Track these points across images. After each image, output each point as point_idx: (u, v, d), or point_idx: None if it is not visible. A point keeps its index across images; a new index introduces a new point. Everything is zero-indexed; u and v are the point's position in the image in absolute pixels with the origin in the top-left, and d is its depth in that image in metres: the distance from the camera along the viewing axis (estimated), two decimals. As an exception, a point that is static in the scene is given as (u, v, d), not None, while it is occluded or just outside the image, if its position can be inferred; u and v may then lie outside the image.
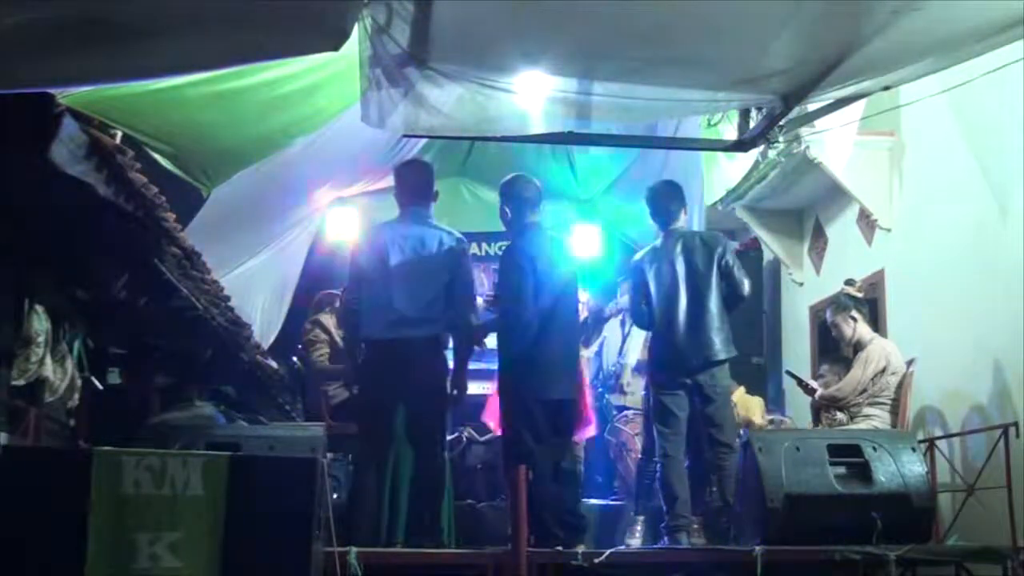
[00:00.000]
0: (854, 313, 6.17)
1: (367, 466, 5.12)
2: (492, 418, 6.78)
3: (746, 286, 5.52)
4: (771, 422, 6.96)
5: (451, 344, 5.41)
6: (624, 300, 7.17)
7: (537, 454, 5.06)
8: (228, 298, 6.30)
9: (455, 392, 5.26)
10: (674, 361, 5.41)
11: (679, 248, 5.51)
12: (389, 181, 8.97)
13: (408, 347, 5.07)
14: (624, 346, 7.23)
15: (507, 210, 5.44)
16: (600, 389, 7.31)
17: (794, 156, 6.83)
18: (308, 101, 5.77)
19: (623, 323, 7.32)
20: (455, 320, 5.17)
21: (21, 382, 4.94)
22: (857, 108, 5.44)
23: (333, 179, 7.83)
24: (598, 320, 7.40)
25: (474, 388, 6.87)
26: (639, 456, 6.33)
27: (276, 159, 6.39)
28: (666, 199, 5.69)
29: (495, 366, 5.41)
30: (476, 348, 5.47)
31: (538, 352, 5.14)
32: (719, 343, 5.38)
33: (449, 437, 6.28)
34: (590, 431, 6.37)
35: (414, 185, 5.39)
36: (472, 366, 5.54)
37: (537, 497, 4.78)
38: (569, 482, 5.29)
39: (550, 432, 5.20)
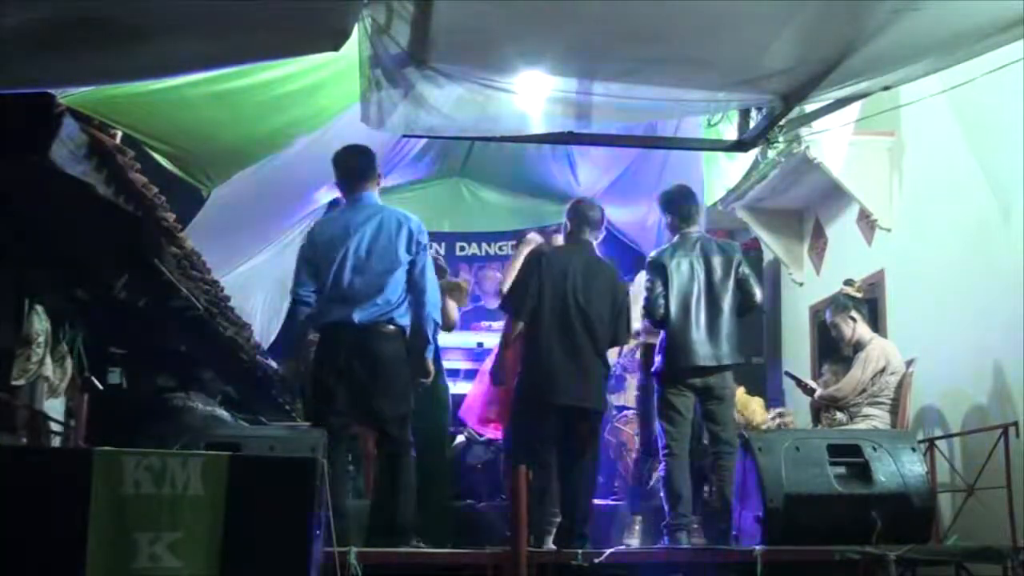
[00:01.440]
0: (853, 313, 6.17)
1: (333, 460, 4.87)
2: (469, 417, 6.81)
3: (759, 294, 5.58)
4: (778, 415, 6.95)
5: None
6: None
7: (543, 456, 5.08)
8: (228, 298, 6.31)
9: (421, 379, 5.02)
10: (686, 362, 5.41)
11: (698, 250, 5.54)
12: (389, 181, 9.02)
13: (364, 332, 4.87)
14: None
15: (568, 224, 5.64)
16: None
17: (794, 156, 6.82)
18: (308, 101, 5.78)
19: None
20: (415, 308, 4.97)
21: (21, 382, 4.94)
22: (854, 108, 5.44)
23: (333, 179, 7.83)
24: None
25: (461, 387, 6.85)
26: (637, 455, 6.33)
27: (276, 159, 6.40)
28: (685, 202, 5.74)
29: (480, 365, 5.42)
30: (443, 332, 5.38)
31: (555, 359, 5.25)
32: (728, 349, 5.40)
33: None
34: None
35: (353, 169, 5.21)
36: (455, 365, 5.49)
37: (535, 499, 4.79)
38: (580, 488, 5.26)
39: (562, 437, 5.24)
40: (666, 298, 5.47)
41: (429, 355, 5.02)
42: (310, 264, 5.08)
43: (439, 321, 5.09)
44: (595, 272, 5.43)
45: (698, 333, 5.40)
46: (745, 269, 5.56)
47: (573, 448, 5.28)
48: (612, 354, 7.28)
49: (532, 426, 5.29)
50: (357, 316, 4.86)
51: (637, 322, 6.21)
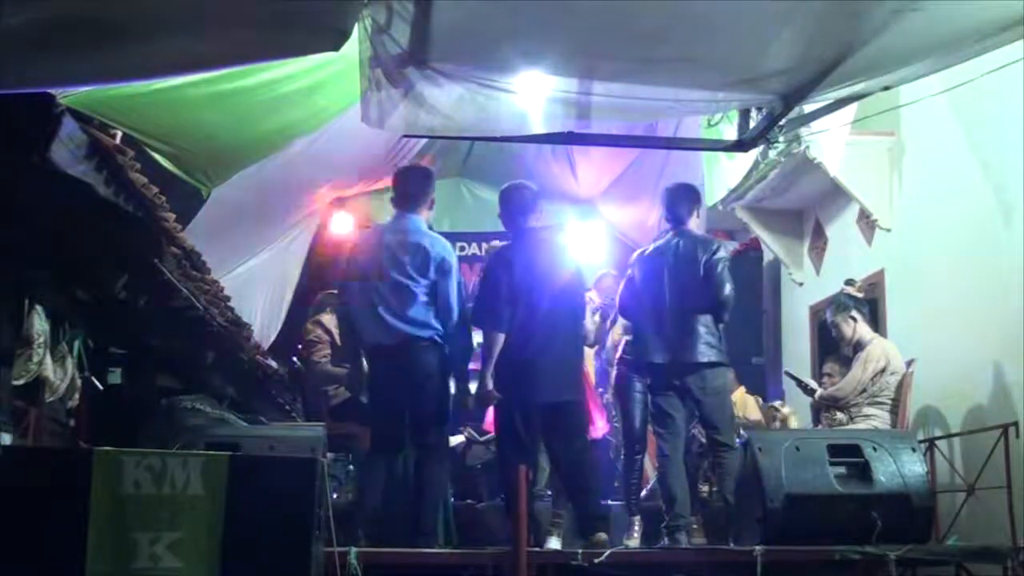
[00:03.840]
0: (854, 313, 6.16)
1: (371, 468, 5.15)
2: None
3: (726, 290, 5.38)
4: (771, 408, 6.95)
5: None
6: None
7: (526, 457, 5.06)
8: (228, 298, 6.31)
9: (466, 397, 5.31)
10: (642, 357, 5.48)
11: (673, 249, 5.51)
12: (389, 181, 9.03)
13: (398, 352, 5.09)
14: (607, 340, 7.25)
15: (502, 217, 5.49)
16: (600, 389, 7.31)
17: (794, 156, 6.82)
18: (308, 101, 5.78)
19: (604, 317, 7.33)
20: (442, 330, 5.15)
21: (21, 382, 4.94)
22: (852, 108, 5.43)
23: (333, 179, 7.85)
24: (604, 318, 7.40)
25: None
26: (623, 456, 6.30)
27: (276, 159, 6.40)
28: (675, 202, 5.70)
29: (477, 366, 5.40)
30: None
31: (521, 357, 5.12)
32: (701, 346, 5.33)
33: (452, 440, 6.29)
34: (596, 431, 6.29)
35: (406, 191, 5.40)
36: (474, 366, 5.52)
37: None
38: (582, 477, 5.19)
39: (544, 435, 5.21)
40: (630, 295, 5.55)
41: (467, 377, 5.27)
42: (345, 275, 5.51)
43: (468, 345, 5.30)
44: (539, 259, 5.29)
45: (656, 330, 5.41)
46: (714, 263, 5.41)
47: (565, 442, 5.21)
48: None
49: (515, 427, 5.21)
50: (390, 336, 5.08)
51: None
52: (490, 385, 5.14)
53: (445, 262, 5.17)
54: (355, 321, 5.32)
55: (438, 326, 5.13)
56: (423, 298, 5.11)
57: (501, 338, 5.13)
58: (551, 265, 5.31)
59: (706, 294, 5.38)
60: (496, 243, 6.29)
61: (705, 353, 5.32)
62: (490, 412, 6.83)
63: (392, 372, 5.12)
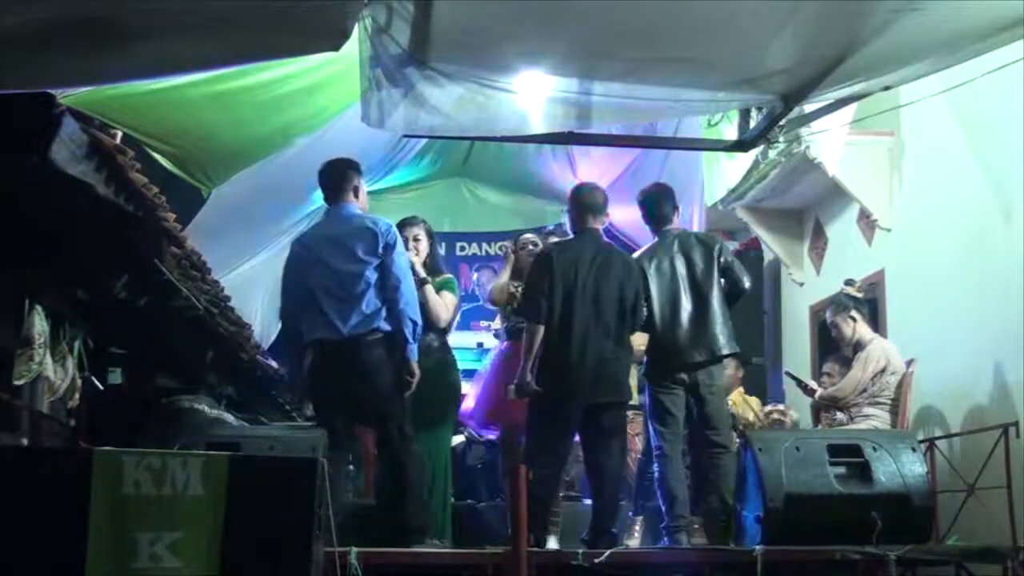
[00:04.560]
0: (854, 313, 6.17)
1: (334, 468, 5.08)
2: (471, 421, 6.75)
3: (746, 280, 5.53)
4: (770, 414, 6.94)
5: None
6: None
7: (543, 456, 5.05)
8: (228, 298, 6.30)
9: (407, 378, 5.02)
10: (675, 359, 5.39)
11: (677, 247, 5.51)
12: (389, 181, 9.04)
13: (346, 346, 4.95)
14: None
15: (570, 215, 5.50)
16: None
17: (794, 156, 6.83)
18: (308, 101, 5.78)
19: None
20: (390, 310, 4.98)
21: (22, 382, 4.93)
22: (852, 108, 5.44)
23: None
24: None
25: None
26: (639, 456, 6.31)
27: (276, 159, 6.40)
28: (659, 201, 5.69)
29: (477, 366, 5.33)
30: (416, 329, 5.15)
31: (561, 355, 5.11)
32: (723, 339, 5.37)
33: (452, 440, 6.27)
34: None
35: (326, 186, 5.26)
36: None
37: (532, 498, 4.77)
38: (606, 484, 5.18)
39: (581, 435, 5.19)
40: (648, 302, 5.45)
41: (412, 356, 5.00)
42: (286, 280, 5.28)
43: (417, 320, 5.03)
44: (605, 261, 5.29)
45: (686, 330, 5.37)
46: (728, 257, 5.52)
47: (598, 443, 5.19)
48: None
49: (552, 427, 5.17)
50: (339, 330, 4.92)
51: None
52: (528, 377, 5.12)
53: (390, 235, 5.03)
54: (298, 318, 5.15)
55: (385, 313, 4.96)
56: (373, 281, 4.95)
57: (541, 330, 5.11)
58: (605, 266, 5.28)
59: (724, 288, 5.44)
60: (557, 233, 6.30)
61: (727, 345, 5.38)
62: (466, 410, 6.84)
63: (340, 367, 4.95)
